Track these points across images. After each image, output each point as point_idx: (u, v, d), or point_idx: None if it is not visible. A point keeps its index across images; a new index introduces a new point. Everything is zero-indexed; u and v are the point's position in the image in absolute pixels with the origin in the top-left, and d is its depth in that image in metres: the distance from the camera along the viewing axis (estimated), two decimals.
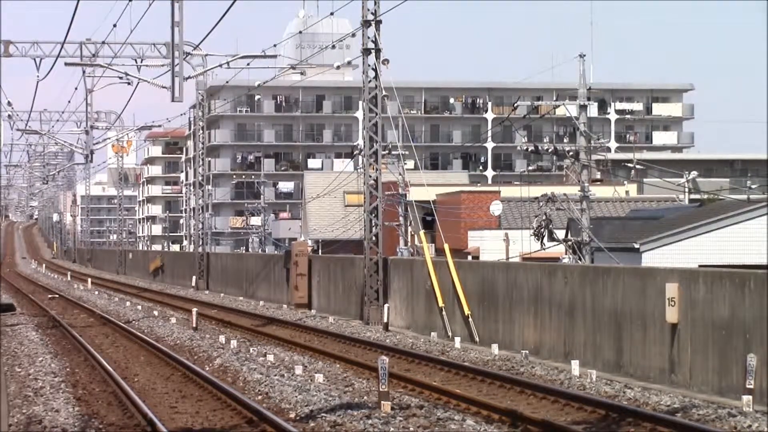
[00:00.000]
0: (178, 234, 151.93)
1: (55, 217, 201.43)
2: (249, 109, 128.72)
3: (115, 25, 54.86)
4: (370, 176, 42.64)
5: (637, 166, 63.05)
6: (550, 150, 47.12)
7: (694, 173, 68.43)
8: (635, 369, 26.03)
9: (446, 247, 37.93)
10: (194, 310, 41.75)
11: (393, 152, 60.55)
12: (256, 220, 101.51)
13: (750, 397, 21.39)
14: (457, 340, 33.76)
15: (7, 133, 74.34)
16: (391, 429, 19.43)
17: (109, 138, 77.61)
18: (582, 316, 28.45)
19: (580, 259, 43.05)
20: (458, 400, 22.54)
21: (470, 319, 34.55)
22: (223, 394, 23.28)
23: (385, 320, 39.85)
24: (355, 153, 56.72)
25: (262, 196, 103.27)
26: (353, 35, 46.45)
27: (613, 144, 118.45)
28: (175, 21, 30.18)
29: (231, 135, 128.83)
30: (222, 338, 35.09)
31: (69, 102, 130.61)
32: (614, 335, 26.97)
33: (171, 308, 52.79)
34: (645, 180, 71.53)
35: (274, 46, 46.51)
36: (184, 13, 30.17)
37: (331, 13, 46.60)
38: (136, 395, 22.82)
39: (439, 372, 27.60)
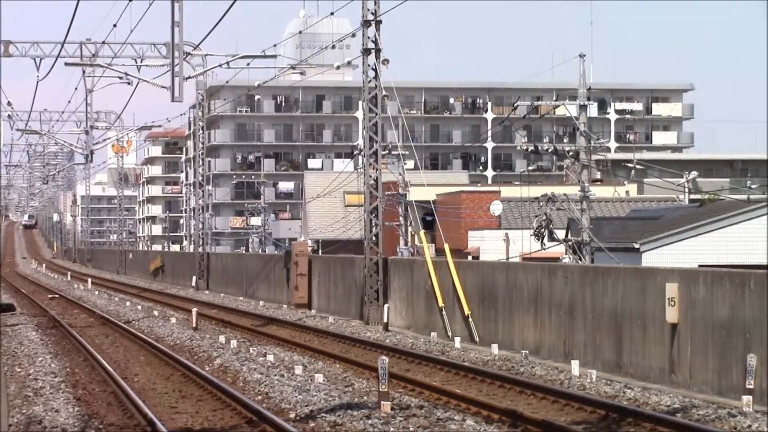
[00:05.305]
0: (178, 234, 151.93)
1: (55, 217, 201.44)
2: (249, 109, 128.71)
3: (115, 25, 54.92)
4: (370, 176, 42.63)
5: (637, 166, 63.00)
6: (550, 150, 47.09)
7: (694, 173, 68.42)
8: (635, 369, 26.03)
9: (446, 247, 37.93)
10: (194, 310, 41.75)
11: (393, 152, 60.58)
12: (256, 220, 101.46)
13: (750, 397, 21.38)
14: (457, 340, 33.76)
15: (7, 133, 74.42)
16: (391, 429, 19.43)
17: (109, 138, 77.58)
18: (582, 316, 28.44)
19: (580, 259, 43.04)
20: (458, 400, 22.54)
21: (470, 319, 34.55)
22: (223, 394, 23.27)
23: (385, 320, 39.85)
24: (355, 153, 56.74)
25: (262, 196, 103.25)
26: (353, 35, 46.44)
27: (613, 144, 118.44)
28: (175, 21, 30.16)
29: (231, 135, 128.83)
30: (222, 338, 35.09)
31: (69, 102, 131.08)
32: (614, 335, 26.97)
33: (171, 308, 52.78)
34: (645, 180, 71.53)
35: (274, 46, 46.52)
36: (184, 13, 30.16)
37: (331, 13, 46.60)
38: (136, 395, 22.81)
39: (439, 372, 27.60)
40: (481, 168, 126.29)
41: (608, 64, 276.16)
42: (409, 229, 65.42)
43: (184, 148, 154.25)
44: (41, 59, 44.48)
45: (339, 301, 47.31)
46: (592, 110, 75.46)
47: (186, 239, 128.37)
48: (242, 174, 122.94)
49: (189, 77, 40.98)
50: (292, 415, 20.93)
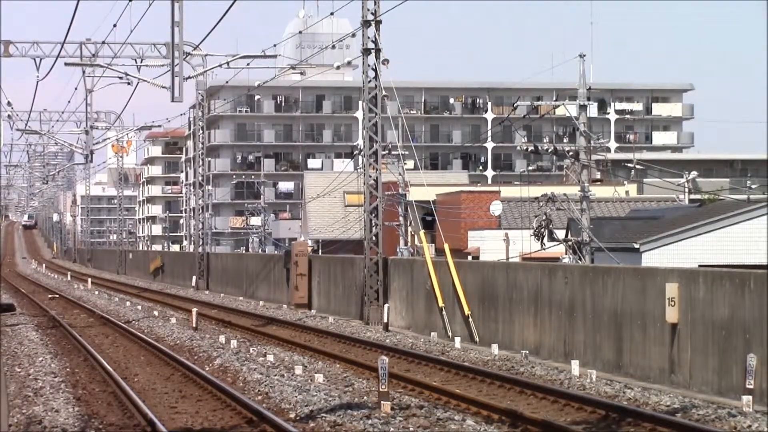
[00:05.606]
0: (178, 234, 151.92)
1: (55, 217, 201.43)
2: (249, 109, 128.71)
3: (115, 25, 54.79)
4: (370, 176, 42.63)
5: (637, 166, 63.02)
6: (550, 150, 47.07)
7: (694, 173, 68.43)
8: (635, 369, 26.03)
9: (446, 247, 37.93)
10: (194, 310, 41.74)
11: (393, 152, 60.59)
12: (256, 220, 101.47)
13: (750, 397, 21.38)
14: (457, 340, 33.75)
15: (7, 133, 74.41)
16: (391, 429, 19.42)
17: (109, 138, 77.56)
18: (582, 316, 28.44)
19: (580, 259, 43.04)
20: (458, 400, 22.54)
21: (470, 319, 34.55)
22: (223, 394, 23.27)
23: (385, 320, 39.85)
24: (355, 153, 56.76)
25: (262, 196, 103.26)
26: (353, 35, 46.44)
27: (613, 144, 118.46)
28: (175, 21, 30.17)
29: (231, 135, 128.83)
30: (222, 338, 35.09)
31: (69, 102, 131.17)
32: (614, 335, 26.97)
33: (171, 308, 52.78)
34: (645, 180, 71.53)
35: (274, 46, 46.52)
36: (184, 13, 30.17)
37: (331, 13, 46.65)
38: (136, 395, 22.81)
39: (439, 372, 27.60)
40: (481, 168, 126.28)
41: (608, 64, 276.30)
42: (409, 229, 65.42)
43: (184, 148, 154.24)
44: (41, 59, 44.48)
45: (339, 301, 47.31)
46: (592, 110, 75.40)
47: (186, 239, 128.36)
48: (242, 174, 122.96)
49: (189, 77, 40.99)
50: (292, 415, 20.92)
